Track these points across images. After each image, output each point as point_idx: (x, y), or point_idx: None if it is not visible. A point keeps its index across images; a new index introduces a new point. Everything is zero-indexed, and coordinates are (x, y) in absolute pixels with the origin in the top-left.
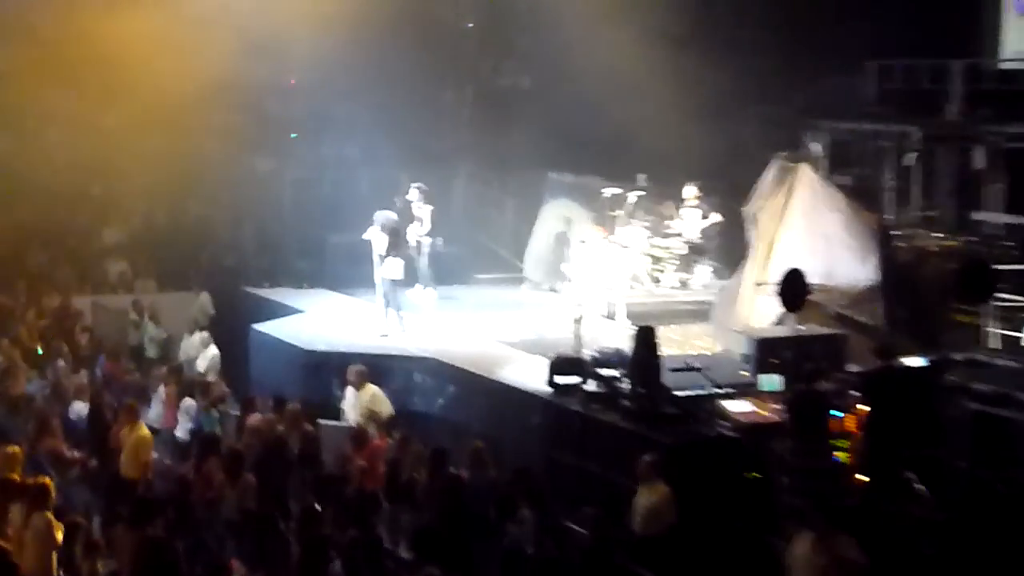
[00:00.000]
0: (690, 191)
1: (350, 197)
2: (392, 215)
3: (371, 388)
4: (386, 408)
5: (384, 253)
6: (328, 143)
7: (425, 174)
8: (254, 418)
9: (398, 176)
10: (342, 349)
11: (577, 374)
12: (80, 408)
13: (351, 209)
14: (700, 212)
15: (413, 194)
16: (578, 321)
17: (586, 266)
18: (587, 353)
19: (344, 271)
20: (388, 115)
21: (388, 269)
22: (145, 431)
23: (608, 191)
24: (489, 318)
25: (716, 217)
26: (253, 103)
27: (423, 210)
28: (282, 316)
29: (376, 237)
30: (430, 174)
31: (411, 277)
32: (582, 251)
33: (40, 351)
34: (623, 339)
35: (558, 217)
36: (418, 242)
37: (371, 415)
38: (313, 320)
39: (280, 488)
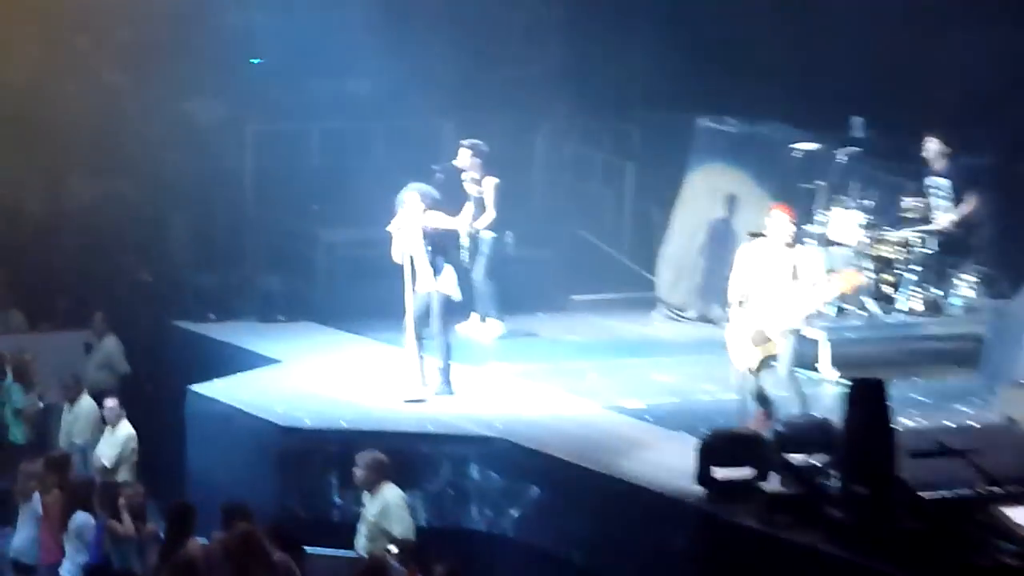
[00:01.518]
0: (936, 147)
1: (356, 165)
2: (433, 192)
3: (388, 492)
4: (402, 525)
5: (426, 256)
6: (318, 73)
7: (484, 124)
8: (192, 545)
9: (438, 127)
10: (344, 425)
11: (750, 463)
12: None
13: (358, 185)
14: (956, 183)
15: (464, 158)
16: (755, 371)
17: (764, 277)
18: (767, 427)
19: (346, 292)
20: (420, 22)
21: (439, 282)
22: None
23: (801, 148)
24: (596, 369)
25: (983, 191)
26: (185, 5)
27: (482, 186)
28: (242, 370)
29: (407, 230)
30: (493, 124)
31: (463, 299)
32: (756, 251)
33: None
34: (829, 403)
35: (714, 194)
36: (473, 238)
37: (384, 537)
38: (295, 376)
39: None
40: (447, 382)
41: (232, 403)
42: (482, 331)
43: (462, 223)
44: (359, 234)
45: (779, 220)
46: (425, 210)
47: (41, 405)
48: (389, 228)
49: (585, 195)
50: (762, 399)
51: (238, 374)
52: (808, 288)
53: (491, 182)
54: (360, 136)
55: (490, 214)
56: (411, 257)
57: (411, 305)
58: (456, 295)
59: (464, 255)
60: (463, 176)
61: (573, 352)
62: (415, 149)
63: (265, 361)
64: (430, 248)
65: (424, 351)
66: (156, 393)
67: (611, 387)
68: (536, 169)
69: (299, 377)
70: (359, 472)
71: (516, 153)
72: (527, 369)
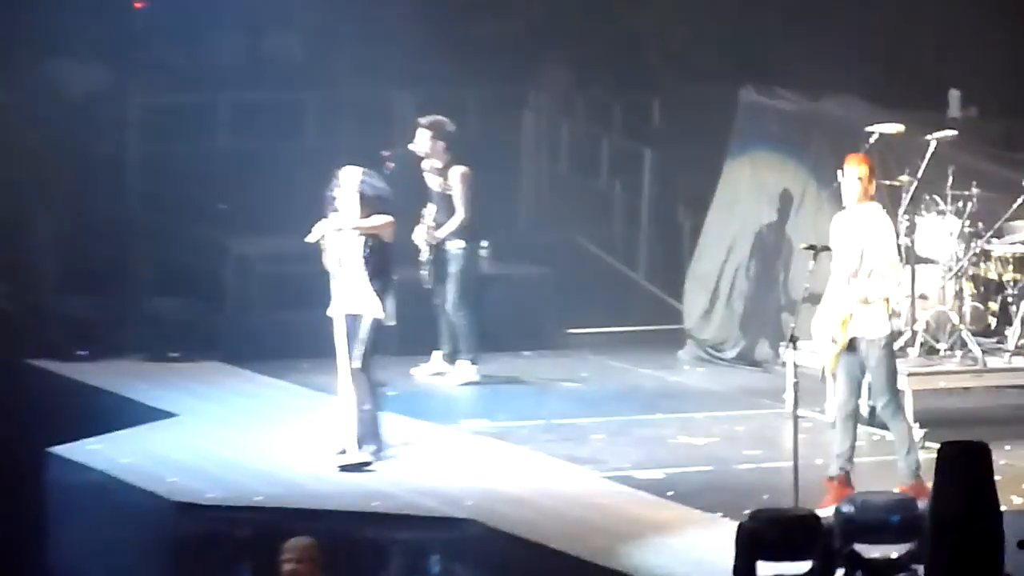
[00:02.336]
0: None
1: (279, 150)
2: (374, 181)
3: None
4: None
5: (363, 272)
6: (227, 25)
7: (452, 96)
8: None
9: (390, 99)
10: (260, 500)
11: (807, 555)
12: None
13: (281, 178)
14: None
15: (423, 141)
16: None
17: (829, 304)
18: (828, 508)
19: (264, 321)
20: None
21: (370, 305)
22: None
23: (879, 130)
24: (601, 427)
25: None
26: None
27: (448, 178)
28: (124, 426)
29: (337, 234)
30: (463, 96)
31: (431, 335)
32: (819, 269)
33: None
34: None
35: (761, 191)
36: (436, 249)
37: None
38: (195, 434)
39: None
40: (373, 435)
41: (109, 471)
42: (448, 375)
43: (421, 228)
44: (281, 244)
45: (849, 174)
46: (365, 207)
47: None
48: (311, 238)
49: (588, 192)
50: (845, 436)
51: (118, 432)
52: (882, 320)
53: (459, 173)
54: (285, 111)
55: (459, 216)
56: (341, 270)
57: (341, 333)
58: (391, 319)
59: (424, 272)
60: (423, 165)
61: (570, 405)
62: (359, 129)
63: (155, 414)
64: (368, 256)
65: (363, 404)
66: (6, 457)
67: (621, 452)
68: (522, 157)
69: (200, 435)
70: (286, 565)
71: (495, 135)
72: (507, 427)
